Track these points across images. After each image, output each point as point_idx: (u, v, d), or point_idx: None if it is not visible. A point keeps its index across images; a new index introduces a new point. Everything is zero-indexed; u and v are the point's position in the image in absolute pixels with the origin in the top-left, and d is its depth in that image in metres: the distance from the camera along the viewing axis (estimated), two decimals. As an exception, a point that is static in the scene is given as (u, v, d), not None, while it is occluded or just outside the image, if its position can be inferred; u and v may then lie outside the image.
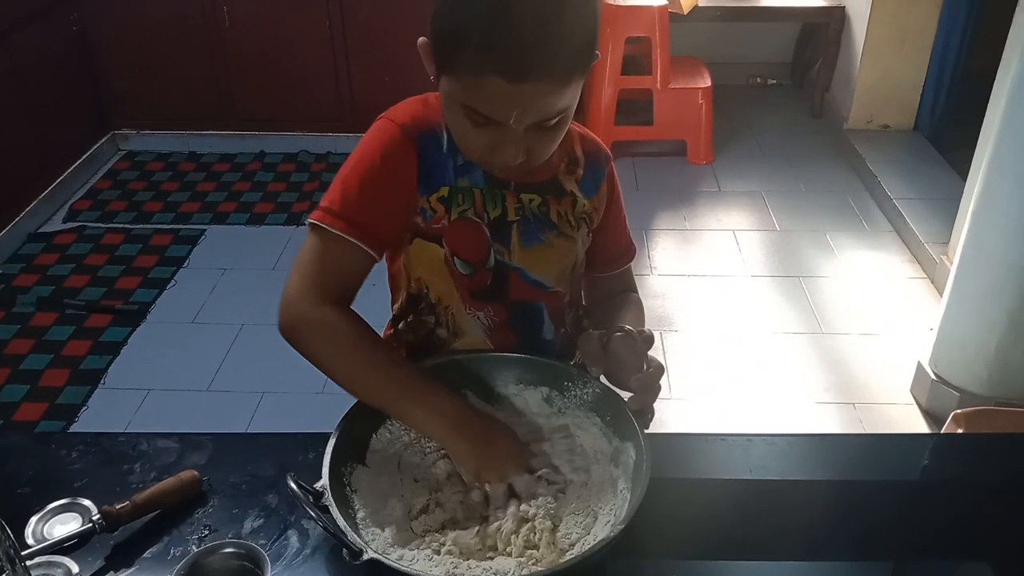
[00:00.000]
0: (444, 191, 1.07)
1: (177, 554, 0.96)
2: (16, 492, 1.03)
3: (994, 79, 2.63)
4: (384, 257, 1.17)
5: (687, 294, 3.02)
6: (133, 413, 2.42)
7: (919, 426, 2.39)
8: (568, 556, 0.90)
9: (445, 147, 1.07)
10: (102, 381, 2.54)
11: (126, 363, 2.62)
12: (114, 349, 2.66)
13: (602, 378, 1.07)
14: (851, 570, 1.04)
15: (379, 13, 3.67)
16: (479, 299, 1.12)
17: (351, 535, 0.84)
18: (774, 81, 4.66)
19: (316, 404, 2.44)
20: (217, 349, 2.68)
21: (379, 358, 1.03)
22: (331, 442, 0.93)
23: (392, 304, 1.20)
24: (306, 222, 1.05)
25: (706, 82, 3.77)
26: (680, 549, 1.00)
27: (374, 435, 1.02)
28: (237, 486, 1.05)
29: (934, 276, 3.01)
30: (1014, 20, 2.41)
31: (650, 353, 1.03)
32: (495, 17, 0.88)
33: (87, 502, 1.01)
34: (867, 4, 3.72)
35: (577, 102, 0.99)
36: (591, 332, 1.07)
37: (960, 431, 1.59)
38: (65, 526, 0.98)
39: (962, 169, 3.37)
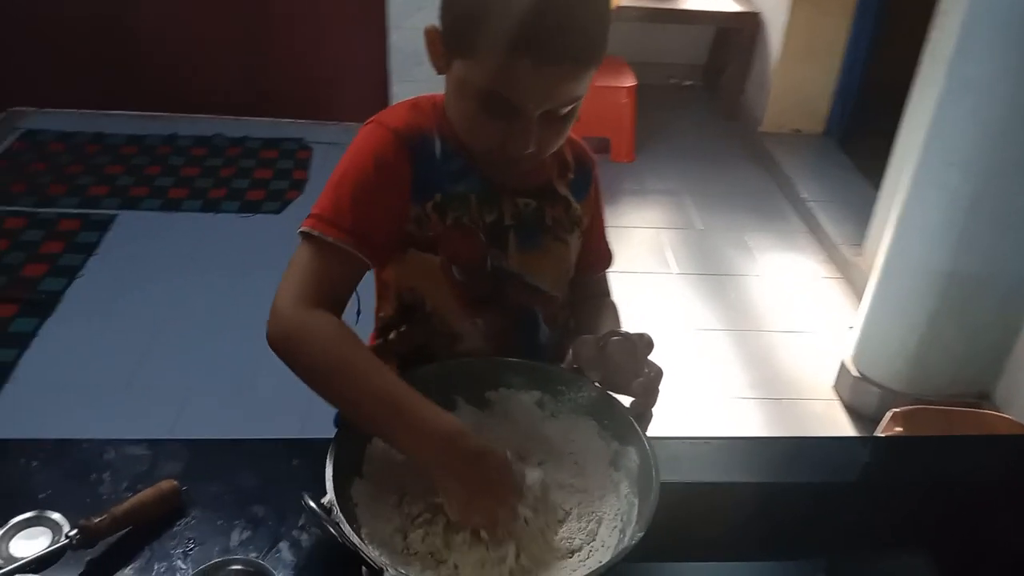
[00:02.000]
0: (438, 198, 1.04)
1: (161, 570, 0.90)
2: (-29, 507, 0.95)
3: (899, 90, 2.76)
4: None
5: (615, 291, 3.05)
6: (47, 412, 2.26)
7: (842, 421, 2.50)
8: (571, 561, 0.90)
9: (438, 153, 1.04)
10: (11, 377, 2.37)
11: (37, 358, 2.45)
12: (22, 342, 2.49)
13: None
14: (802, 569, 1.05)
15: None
16: (477, 305, 1.10)
17: (373, 553, 0.81)
18: (689, 82, 4.77)
19: (243, 404, 2.35)
20: (135, 344, 2.54)
21: (371, 374, 0.92)
22: (331, 455, 0.89)
23: (377, 312, 1.16)
24: (297, 231, 0.99)
25: (630, 81, 3.82)
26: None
27: (368, 445, 0.98)
28: (219, 496, 1.00)
29: (849, 276, 3.16)
30: (930, 38, 2.54)
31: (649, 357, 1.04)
32: None
33: (56, 515, 0.93)
34: (784, 14, 3.86)
35: (585, 94, 0.98)
36: (587, 337, 1.06)
37: (899, 429, 1.67)
38: (32, 541, 0.91)
39: (870, 173, 3.55)
